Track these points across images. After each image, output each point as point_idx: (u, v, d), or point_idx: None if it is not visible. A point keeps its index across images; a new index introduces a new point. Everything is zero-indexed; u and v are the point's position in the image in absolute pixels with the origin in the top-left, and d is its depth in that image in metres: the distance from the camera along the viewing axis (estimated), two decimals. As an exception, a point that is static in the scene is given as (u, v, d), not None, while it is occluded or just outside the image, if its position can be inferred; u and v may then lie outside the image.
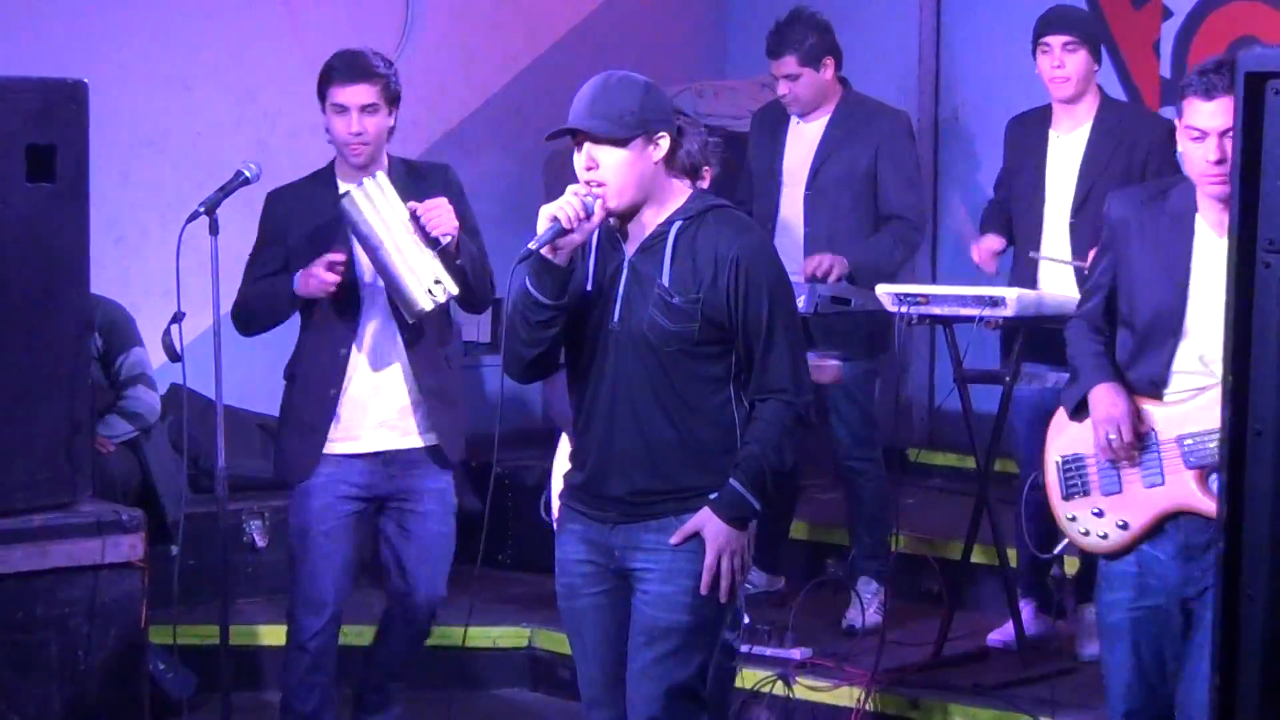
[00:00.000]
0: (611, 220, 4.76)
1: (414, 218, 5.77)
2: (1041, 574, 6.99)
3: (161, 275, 6.15)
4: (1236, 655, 2.99)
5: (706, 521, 4.71)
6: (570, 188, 4.68)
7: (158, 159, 8.02)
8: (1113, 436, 4.92)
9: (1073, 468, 5.10)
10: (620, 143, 4.66)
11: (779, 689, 6.60)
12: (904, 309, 6.60)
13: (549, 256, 4.65)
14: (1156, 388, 4.94)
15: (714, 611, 4.79)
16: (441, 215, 5.78)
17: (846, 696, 6.53)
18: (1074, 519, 5.12)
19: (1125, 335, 5.04)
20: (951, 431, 8.60)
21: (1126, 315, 5.02)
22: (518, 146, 8.85)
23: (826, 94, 7.34)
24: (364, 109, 5.94)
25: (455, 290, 5.84)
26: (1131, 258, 5.00)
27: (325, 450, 6.05)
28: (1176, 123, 4.92)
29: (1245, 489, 2.98)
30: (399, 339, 6.01)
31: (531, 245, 4.63)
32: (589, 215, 4.65)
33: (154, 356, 6.79)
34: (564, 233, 4.62)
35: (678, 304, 4.67)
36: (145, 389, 7.13)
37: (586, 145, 4.69)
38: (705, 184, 5.55)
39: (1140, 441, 4.94)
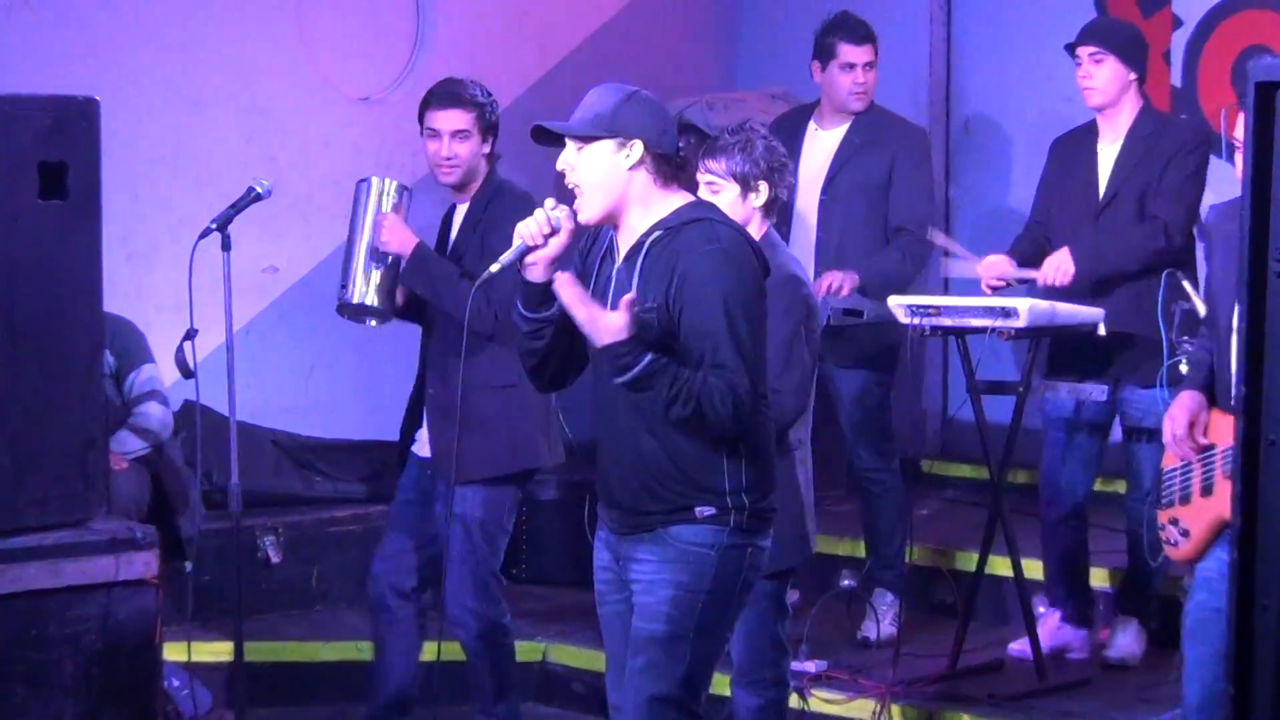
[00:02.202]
0: (612, 229, 4.82)
1: (376, 225, 6.21)
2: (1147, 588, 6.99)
3: (174, 292, 6.16)
4: (1251, 666, 2.99)
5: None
6: (546, 202, 4.77)
7: (169, 176, 8.03)
8: (1170, 434, 5.02)
9: (1165, 479, 5.25)
10: (586, 140, 4.72)
11: (794, 702, 6.58)
12: (916, 320, 6.60)
13: (524, 274, 4.73)
14: (1229, 397, 5.00)
15: (695, 622, 4.78)
16: (390, 230, 6.19)
17: (862, 709, 6.52)
18: (1163, 527, 5.27)
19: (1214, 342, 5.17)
20: (965, 442, 8.59)
21: (1211, 322, 5.18)
22: (529, 159, 8.82)
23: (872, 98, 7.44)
24: (455, 134, 6.21)
25: (359, 299, 6.23)
26: (1213, 269, 5.13)
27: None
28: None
29: (1258, 499, 2.98)
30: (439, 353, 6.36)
31: (494, 267, 4.76)
32: (555, 230, 4.70)
33: (167, 373, 6.79)
34: (530, 250, 4.69)
35: (638, 314, 4.66)
36: (157, 405, 7.13)
37: (565, 149, 4.78)
38: (759, 198, 5.61)
39: (1207, 452, 5.03)
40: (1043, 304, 6.55)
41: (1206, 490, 5.05)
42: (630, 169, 4.72)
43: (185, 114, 8.10)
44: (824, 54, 7.41)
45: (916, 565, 7.31)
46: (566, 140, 4.77)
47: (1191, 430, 5.09)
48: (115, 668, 5.43)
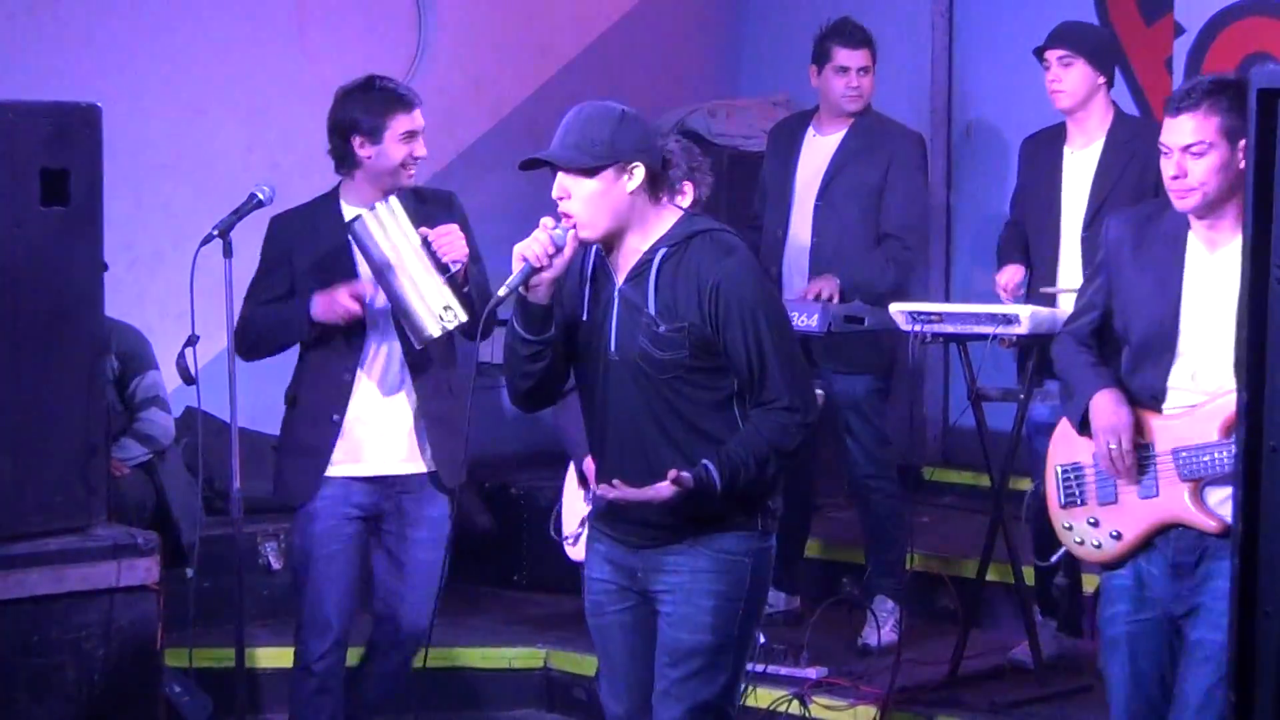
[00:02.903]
0: (601, 249, 4.79)
1: (425, 243, 5.79)
2: (1048, 586, 6.97)
3: (175, 298, 6.15)
4: (1253, 672, 2.98)
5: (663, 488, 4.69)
6: (543, 221, 4.69)
7: (171, 182, 8.03)
8: (1113, 446, 4.93)
9: (1071, 476, 5.13)
10: (589, 172, 4.67)
11: (794, 708, 6.59)
12: (918, 327, 6.60)
13: (526, 295, 4.69)
14: (1155, 401, 4.96)
15: (737, 629, 4.80)
16: (454, 242, 5.82)
17: (862, 716, 6.52)
18: (1070, 527, 5.14)
19: (1125, 352, 5.06)
20: (966, 449, 8.59)
21: (1122, 333, 5.06)
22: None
23: (869, 104, 7.44)
24: (422, 133, 6.03)
25: (464, 317, 5.82)
26: (1126, 277, 5.04)
27: (327, 473, 6.04)
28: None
29: (1260, 505, 2.97)
30: (404, 364, 6.01)
31: (501, 291, 4.68)
32: (559, 250, 4.66)
33: (168, 379, 6.80)
34: (535, 271, 4.65)
35: (664, 333, 4.67)
36: (159, 412, 7.14)
37: (559, 175, 4.70)
38: (685, 199, 5.58)
39: (1140, 453, 4.96)
40: (1044, 311, 6.55)
41: (1146, 492, 4.98)
42: (631, 192, 4.71)
43: (187, 121, 8.10)
44: (820, 58, 7.45)
45: (917, 572, 7.31)
46: (559, 169, 4.71)
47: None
48: (117, 674, 5.43)
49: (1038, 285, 6.92)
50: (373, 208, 5.81)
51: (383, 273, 5.81)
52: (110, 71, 7.78)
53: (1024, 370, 6.75)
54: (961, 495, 8.81)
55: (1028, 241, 7.04)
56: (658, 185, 4.76)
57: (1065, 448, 5.16)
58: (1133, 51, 8.62)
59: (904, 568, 7.20)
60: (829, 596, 7.20)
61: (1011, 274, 6.97)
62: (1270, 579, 2.96)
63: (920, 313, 6.64)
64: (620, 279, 4.77)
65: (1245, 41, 8.20)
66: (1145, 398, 4.96)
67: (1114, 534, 5.02)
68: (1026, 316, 6.43)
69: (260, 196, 5.83)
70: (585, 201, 4.67)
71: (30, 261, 5.35)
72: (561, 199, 4.69)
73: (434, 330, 5.81)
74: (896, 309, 6.69)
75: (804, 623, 7.01)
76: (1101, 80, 6.88)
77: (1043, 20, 7.56)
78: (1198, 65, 8.32)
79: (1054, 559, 5.73)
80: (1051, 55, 6.87)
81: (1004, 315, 6.48)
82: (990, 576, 6.94)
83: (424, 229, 5.81)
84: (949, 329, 6.60)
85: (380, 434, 6.05)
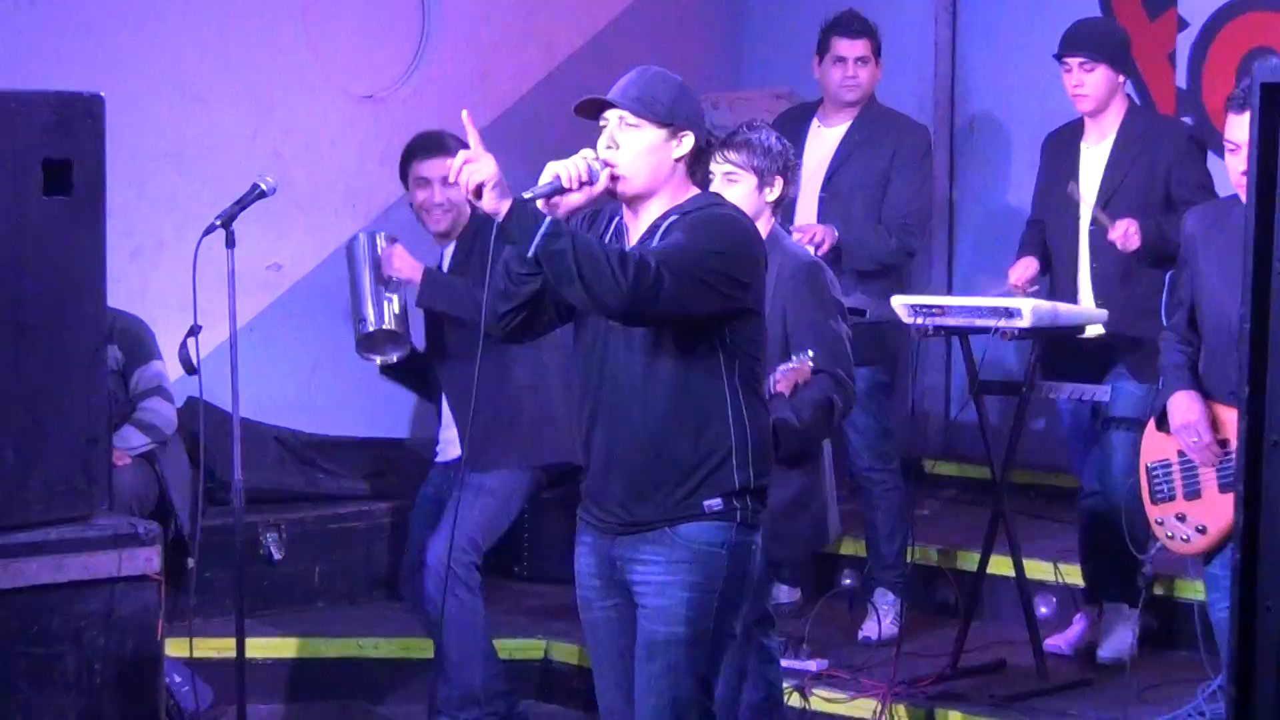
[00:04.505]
0: (625, 213, 4.79)
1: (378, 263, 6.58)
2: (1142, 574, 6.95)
3: (178, 288, 6.16)
4: (1253, 667, 2.98)
5: None
6: (581, 151, 4.68)
7: (174, 172, 8.03)
8: (1194, 440, 5.03)
9: (1159, 473, 5.26)
10: (646, 124, 4.69)
11: (795, 700, 6.59)
12: (919, 320, 6.60)
13: (543, 209, 4.62)
14: (1233, 395, 4.98)
15: (713, 623, 4.77)
16: (397, 260, 6.56)
17: (863, 708, 6.52)
18: (1162, 523, 5.29)
19: (1203, 344, 5.14)
20: (967, 442, 8.59)
21: (1201, 326, 5.16)
22: (535, 158, 8.79)
23: (869, 95, 7.44)
24: (444, 180, 6.33)
25: (381, 327, 6.54)
26: (1201, 272, 5.13)
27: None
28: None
29: (1262, 499, 2.98)
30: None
31: (526, 194, 4.60)
32: (592, 181, 4.65)
33: (170, 369, 6.80)
34: (562, 190, 4.62)
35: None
36: (162, 401, 7.13)
37: (610, 126, 4.71)
38: (774, 193, 5.79)
39: (1223, 447, 5.04)
40: (1046, 305, 6.56)
41: (1226, 487, 5.05)
42: (676, 159, 4.73)
43: (190, 111, 8.10)
44: (821, 48, 7.50)
45: (918, 565, 7.31)
46: (612, 116, 4.72)
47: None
48: (117, 663, 5.44)
49: (1056, 283, 6.92)
50: (360, 235, 6.72)
51: (355, 281, 6.67)
52: (114, 62, 7.77)
53: (1036, 363, 6.74)
54: (962, 488, 8.80)
55: (1045, 238, 7.03)
56: (697, 162, 4.79)
57: (1154, 445, 5.32)
58: (1136, 45, 8.56)
59: (905, 560, 7.20)
60: (830, 589, 7.20)
61: (1024, 268, 6.95)
62: (1271, 573, 2.96)
63: (922, 305, 6.64)
64: (632, 244, 4.77)
65: (1249, 36, 8.20)
66: (1222, 392, 5.04)
67: (1199, 528, 5.15)
68: (1028, 310, 6.42)
69: (263, 187, 5.84)
70: (635, 154, 4.69)
71: (33, 251, 5.36)
72: (610, 149, 4.70)
73: (358, 332, 6.62)
74: (898, 301, 6.69)
75: (805, 615, 7.02)
76: (1122, 79, 6.89)
77: (1047, 15, 7.58)
78: (1201, 60, 8.32)
79: (1151, 553, 5.77)
80: (1073, 61, 6.83)
81: (1006, 309, 6.47)
82: (991, 569, 6.94)
83: (386, 247, 6.63)
84: (951, 322, 6.60)
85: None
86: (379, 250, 6.59)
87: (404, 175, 6.78)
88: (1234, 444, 4.96)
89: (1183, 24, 8.43)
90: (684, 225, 4.67)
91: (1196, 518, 5.14)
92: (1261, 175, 2.95)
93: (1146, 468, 5.31)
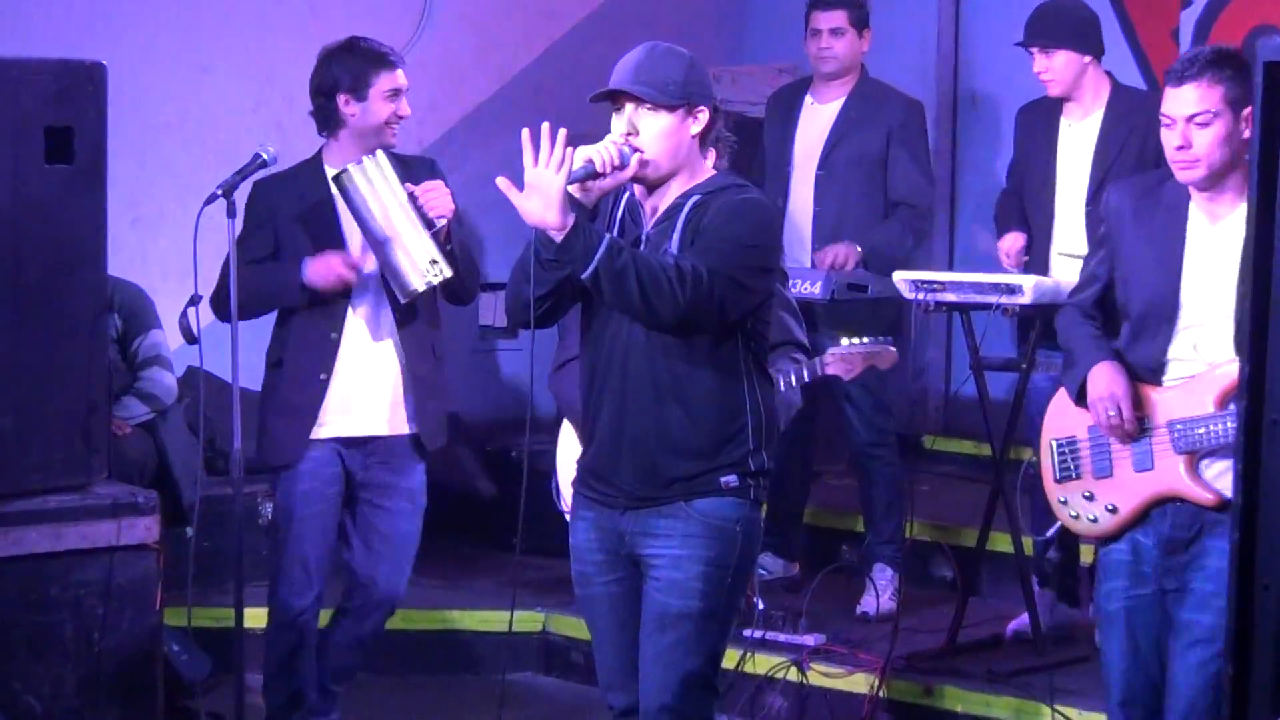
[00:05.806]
0: (637, 192, 4.77)
1: (412, 199, 5.88)
2: (1047, 559, 6.97)
3: (178, 257, 6.15)
4: (1251, 645, 2.98)
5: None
6: (609, 136, 4.68)
7: (175, 141, 8.02)
8: (1112, 413, 4.92)
9: (1066, 450, 5.11)
10: (663, 109, 4.67)
11: (793, 675, 6.60)
12: (920, 296, 6.60)
13: (575, 194, 4.62)
14: (1155, 374, 4.95)
15: (726, 598, 4.79)
16: (439, 197, 5.93)
17: (860, 683, 6.53)
18: (1065, 501, 5.13)
19: (1124, 323, 5.05)
20: (967, 419, 8.59)
21: (1123, 304, 5.04)
22: (536, 130, 8.83)
23: (853, 67, 7.45)
24: (405, 93, 6.08)
25: (449, 272, 5.90)
26: (1127, 247, 5.03)
27: (313, 435, 6.07)
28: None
29: (1261, 478, 2.97)
30: (392, 324, 6.04)
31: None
32: (624, 165, 4.65)
33: (171, 339, 6.80)
34: (595, 175, 4.62)
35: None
36: (162, 371, 7.13)
37: (627, 111, 4.70)
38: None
39: (1139, 425, 4.95)
40: (1047, 281, 6.55)
41: (1141, 466, 4.97)
42: (693, 136, 4.73)
43: (193, 80, 8.09)
44: (805, 23, 7.45)
45: (916, 541, 7.31)
46: (627, 103, 4.70)
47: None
48: (116, 632, 5.45)
49: (1034, 254, 6.92)
50: (359, 162, 5.89)
51: (369, 227, 5.89)
52: (116, 29, 7.76)
53: (1027, 339, 6.74)
54: (962, 464, 8.81)
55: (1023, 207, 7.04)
56: (708, 135, 4.79)
57: (1060, 421, 5.16)
58: (1139, 23, 8.60)
59: (903, 536, 7.22)
60: (828, 564, 7.20)
61: (1013, 240, 6.96)
62: (1269, 552, 2.96)
63: (924, 281, 6.64)
64: (649, 224, 4.77)
65: (1251, 14, 8.19)
66: (1144, 370, 4.95)
67: (1110, 508, 5.01)
68: (1030, 286, 6.43)
69: (264, 156, 5.82)
70: (655, 138, 4.69)
71: (34, 219, 5.35)
72: (630, 135, 4.69)
73: (418, 284, 5.89)
74: (900, 277, 6.69)
75: (802, 590, 7.02)
76: (1088, 59, 6.85)
77: (1047, -10, 7.51)
78: (1204, 37, 8.31)
79: (1049, 534, 5.73)
80: (1033, 47, 6.85)
81: (1007, 285, 6.47)
82: (990, 546, 6.94)
83: (410, 185, 5.90)
84: (952, 298, 6.60)
85: (366, 394, 6.08)
86: (391, 185, 5.89)
87: (354, 89, 6.03)
88: (1155, 422, 4.95)
89: (1186, 1, 8.43)
90: (714, 215, 4.66)
91: (1106, 497, 5.00)
92: (1264, 154, 2.95)
93: (1052, 444, 5.16)
